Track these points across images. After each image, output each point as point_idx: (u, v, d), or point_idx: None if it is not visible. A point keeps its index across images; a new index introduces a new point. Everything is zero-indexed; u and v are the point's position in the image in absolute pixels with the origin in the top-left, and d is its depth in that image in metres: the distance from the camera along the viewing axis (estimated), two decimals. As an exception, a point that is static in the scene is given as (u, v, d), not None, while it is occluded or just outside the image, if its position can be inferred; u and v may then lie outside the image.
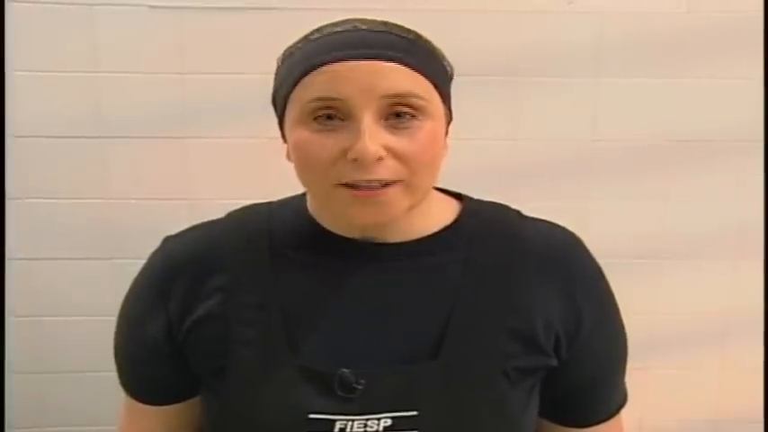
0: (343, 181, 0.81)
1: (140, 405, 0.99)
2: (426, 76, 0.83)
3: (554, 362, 0.91)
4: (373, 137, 0.78)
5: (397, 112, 0.81)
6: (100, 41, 1.41)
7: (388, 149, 0.80)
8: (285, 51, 0.87)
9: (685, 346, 1.62)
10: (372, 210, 0.83)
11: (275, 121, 0.90)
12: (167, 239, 0.96)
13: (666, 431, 1.67)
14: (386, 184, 0.81)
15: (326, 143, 0.80)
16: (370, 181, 0.80)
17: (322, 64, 0.80)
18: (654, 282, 1.58)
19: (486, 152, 1.47)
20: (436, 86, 0.84)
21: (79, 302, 1.53)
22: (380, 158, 0.79)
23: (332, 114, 0.80)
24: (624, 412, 1.03)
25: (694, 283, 1.59)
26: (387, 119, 0.81)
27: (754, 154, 1.51)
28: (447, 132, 0.89)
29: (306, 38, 0.85)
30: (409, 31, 0.85)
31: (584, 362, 0.93)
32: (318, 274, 0.90)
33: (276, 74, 0.88)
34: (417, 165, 0.81)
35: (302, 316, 0.88)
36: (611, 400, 1.00)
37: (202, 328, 0.89)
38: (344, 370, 0.84)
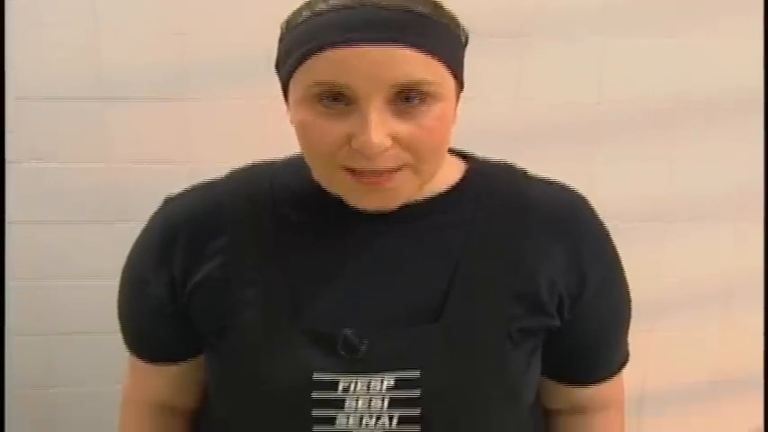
0: (348, 166, 0.79)
1: (145, 365, 0.99)
2: (441, 59, 0.78)
3: (557, 322, 0.91)
4: (379, 127, 0.75)
5: (407, 97, 0.77)
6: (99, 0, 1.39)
7: (395, 138, 0.77)
8: (289, 18, 0.83)
9: (687, 309, 1.63)
10: (378, 196, 0.82)
11: (278, 81, 0.87)
12: (168, 201, 0.96)
13: (668, 392, 1.68)
14: (392, 170, 0.79)
15: (331, 128, 0.78)
16: (374, 170, 0.79)
17: (327, 47, 0.76)
18: (657, 245, 1.57)
19: (490, 114, 1.46)
20: (450, 67, 0.80)
21: (80, 265, 1.53)
22: (386, 149, 0.77)
23: (337, 97, 0.77)
24: (627, 373, 1.04)
25: (697, 246, 1.58)
26: (395, 103, 0.77)
27: (754, 115, 1.50)
28: (458, 102, 0.86)
29: (311, 6, 0.80)
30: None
31: (588, 322, 0.93)
32: (321, 235, 0.89)
33: (280, 41, 0.84)
34: (424, 152, 0.79)
35: (305, 277, 0.88)
36: (613, 359, 1.00)
37: (205, 290, 0.89)
38: (348, 331, 0.84)
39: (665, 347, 1.63)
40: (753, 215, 1.56)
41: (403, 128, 0.77)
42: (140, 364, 1.00)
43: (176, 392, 1.03)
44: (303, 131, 0.81)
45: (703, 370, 1.68)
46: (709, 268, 1.60)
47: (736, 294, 1.62)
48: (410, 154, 0.79)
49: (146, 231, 0.96)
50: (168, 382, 1.00)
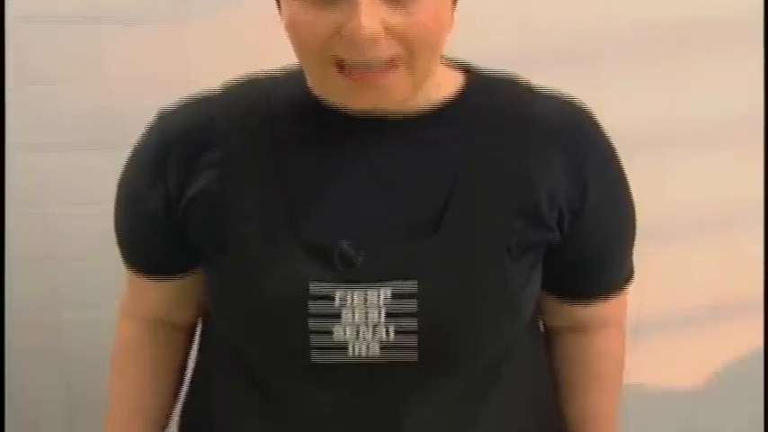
0: (339, 58, 0.77)
1: (142, 280, 0.99)
2: None
3: (557, 236, 0.90)
4: (370, 13, 0.73)
5: None
6: None
7: (387, 28, 0.75)
8: None
9: (687, 234, 1.63)
10: (371, 94, 0.80)
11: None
12: (161, 116, 0.94)
13: (667, 318, 1.69)
14: (387, 67, 0.77)
15: (321, 18, 0.75)
16: (367, 62, 0.76)
17: None
18: (658, 169, 1.56)
19: (490, 33, 1.43)
20: None
21: (79, 190, 1.53)
22: (377, 39, 0.74)
23: None
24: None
25: (698, 171, 1.58)
26: None
27: (755, 40, 1.48)
28: (455, 5, 0.83)
29: None
30: None
31: (590, 236, 0.92)
32: (318, 147, 0.88)
33: None
34: (417, 45, 0.77)
35: (301, 189, 0.87)
36: (614, 276, 1.00)
37: (201, 203, 0.88)
38: (344, 242, 0.84)
39: (663, 273, 1.63)
40: (754, 139, 1.54)
41: (395, 18, 0.75)
42: (138, 279, 1.00)
43: (174, 308, 1.03)
44: (293, 27, 0.78)
45: (703, 295, 1.68)
46: (710, 193, 1.59)
47: (736, 219, 1.62)
48: (402, 47, 0.77)
49: (139, 147, 0.95)
50: (165, 296, 1.01)
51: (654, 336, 1.69)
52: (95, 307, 1.60)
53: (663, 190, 1.57)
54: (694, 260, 1.65)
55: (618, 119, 1.49)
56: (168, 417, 1.12)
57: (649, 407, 1.77)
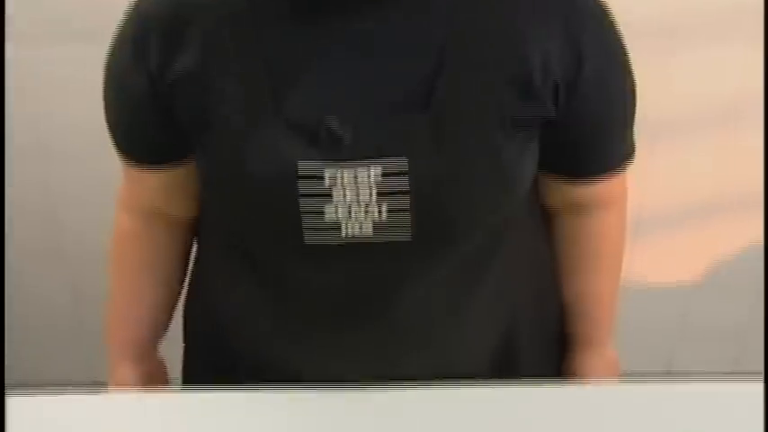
0: None
1: (136, 170, 0.98)
2: None
3: (552, 111, 0.87)
4: None
5: None
6: None
7: None
8: None
9: (689, 128, 1.61)
10: None
11: None
12: None
13: (668, 212, 1.69)
14: None
15: None
16: None
17: None
18: (661, 62, 1.54)
19: None
20: None
21: (69, 81, 1.52)
22: None
23: None
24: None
25: (703, 64, 1.55)
26: None
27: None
28: None
29: None
30: None
31: (587, 109, 0.89)
32: (300, 24, 0.85)
33: None
34: None
35: (284, 67, 0.84)
36: (614, 152, 0.97)
37: (184, 84, 0.87)
38: (331, 119, 0.82)
39: (665, 166, 1.62)
40: (758, 32, 1.51)
41: None
42: (132, 170, 0.99)
43: (170, 199, 1.02)
44: None
45: (703, 188, 1.67)
46: (713, 86, 1.57)
47: (738, 113, 1.60)
48: None
49: (119, 33, 0.92)
50: (160, 187, 1.00)
51: (654, 230, 1.69)
52: (93, 203, 1.60)
53: (665, 83, 1.54)
54: (695, 154, 1.63)
55: (617, 9, 1.46)
56: (171, 309, 1.13)
57: (649, 300, 1.79)
